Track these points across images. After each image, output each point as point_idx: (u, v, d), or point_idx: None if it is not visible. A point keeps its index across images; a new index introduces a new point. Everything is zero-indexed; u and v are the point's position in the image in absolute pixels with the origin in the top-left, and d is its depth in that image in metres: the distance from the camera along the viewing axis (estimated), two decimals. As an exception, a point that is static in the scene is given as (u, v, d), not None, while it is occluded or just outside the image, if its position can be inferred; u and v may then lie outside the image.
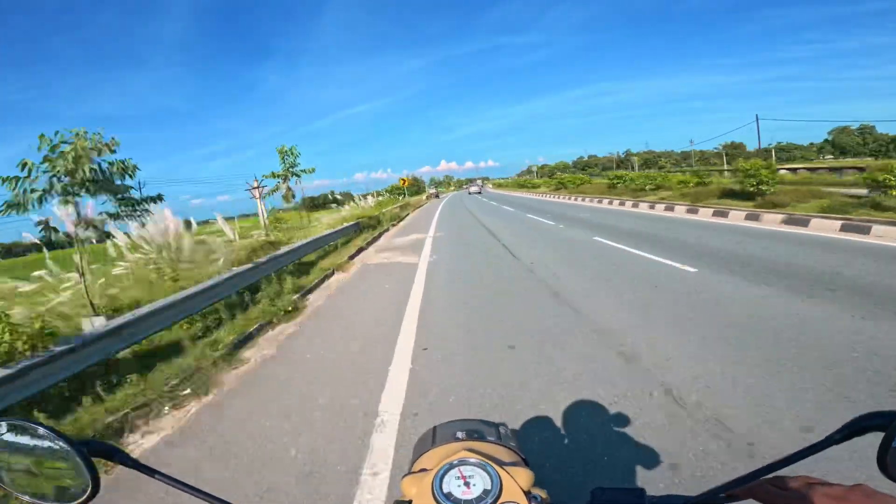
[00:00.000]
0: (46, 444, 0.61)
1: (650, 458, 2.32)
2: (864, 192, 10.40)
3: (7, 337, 3.63)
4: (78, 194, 4.86)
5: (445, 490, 0.66)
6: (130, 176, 5.22)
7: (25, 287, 6.00)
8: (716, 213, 12.38)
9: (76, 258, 5.05)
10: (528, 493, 0.68)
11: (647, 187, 21.47)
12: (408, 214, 26.91)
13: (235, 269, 6.72)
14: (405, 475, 0.74)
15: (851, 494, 0.47)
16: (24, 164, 4.62)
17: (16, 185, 4.60)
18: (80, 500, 0.61)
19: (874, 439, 0.49)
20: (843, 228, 8.28)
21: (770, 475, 0.55)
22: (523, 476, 0.71)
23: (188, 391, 3.90)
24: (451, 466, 0.69)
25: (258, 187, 14.85)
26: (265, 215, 14.45)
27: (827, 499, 0.47)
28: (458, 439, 0.80)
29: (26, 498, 0.62)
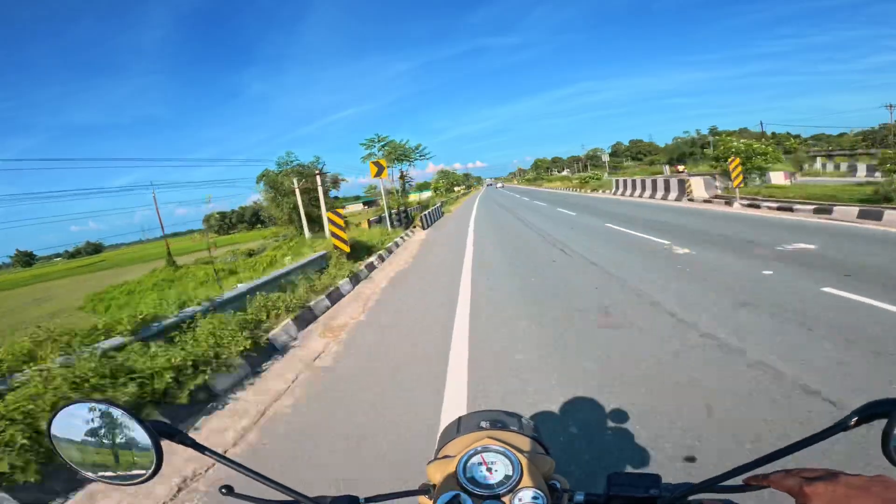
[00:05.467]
0: (118, 424, 0.65)
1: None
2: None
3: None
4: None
5: (469, 475, 0.70)
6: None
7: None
8: None
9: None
10: (548, 480, 0.71)
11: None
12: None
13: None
14: (430, 461, 0.78)
15: (872, 485, 0.47)
16: None
17: None
18: (142, 479, 0.66)
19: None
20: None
21: (791, 467, 0.55)
22: (543, 463, 0.73)
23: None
24: (475, 453, 0.72)
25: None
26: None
27: (848, 489, 0.47)
28: (481, 428, 0.82)
29: (90, 475, 0.67)
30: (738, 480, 0.59)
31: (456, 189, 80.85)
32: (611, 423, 2.82)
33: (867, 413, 0.50)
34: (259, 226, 75.56)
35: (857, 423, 0.50)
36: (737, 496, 0.62)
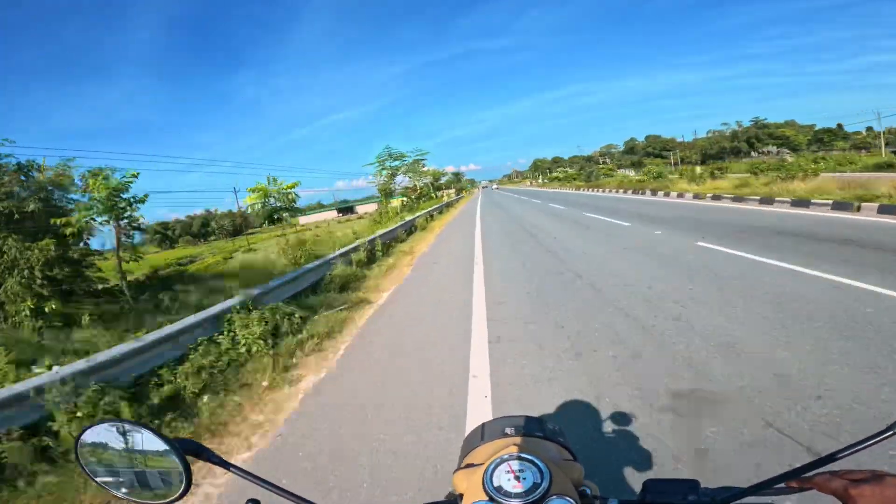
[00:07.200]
0: (145, 443, 0.64)
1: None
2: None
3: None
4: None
5: (496, 484, 0.67)
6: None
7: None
8: None
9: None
10: (577, 487, 0.68)
11: None
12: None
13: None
14: (456, 470, 0.76)
15: None
16: None
17: None
18: (172, 498, 0.65)
19: None
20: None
21: (832, 468, 0.53)
22: (573, 470, 0.71)
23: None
24: (502, 461, 0.69)
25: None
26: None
27: None
28: (506, 435, 0.80)
29: (121, 494, 0.67)
30: (780, 485, 0.56)
31: (439, 194, 48.98)
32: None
33: None
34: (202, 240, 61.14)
35: None
36: (780, 499, 0.59)
